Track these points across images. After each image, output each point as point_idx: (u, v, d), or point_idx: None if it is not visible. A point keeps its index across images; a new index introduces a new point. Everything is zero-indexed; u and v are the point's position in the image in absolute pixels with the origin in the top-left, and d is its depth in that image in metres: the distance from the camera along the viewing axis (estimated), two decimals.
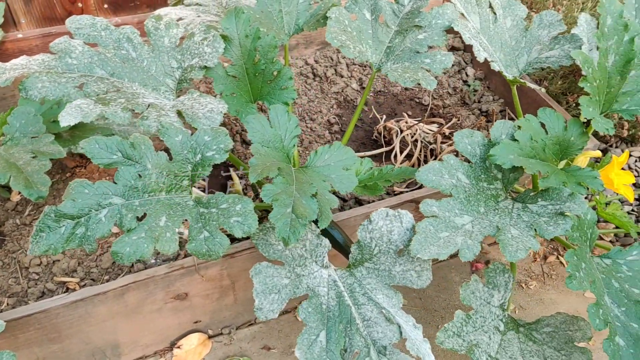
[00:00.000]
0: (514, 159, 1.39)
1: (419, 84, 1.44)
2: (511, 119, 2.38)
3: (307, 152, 2.19)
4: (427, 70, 1.53)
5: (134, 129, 1.61)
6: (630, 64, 1.54)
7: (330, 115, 2.41)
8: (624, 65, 1.54)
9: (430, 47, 1.58)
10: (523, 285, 2.05)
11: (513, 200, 1.46)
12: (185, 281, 1.57)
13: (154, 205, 1.18)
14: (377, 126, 2.31)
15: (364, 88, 2.56)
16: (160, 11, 1.75)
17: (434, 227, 1.30)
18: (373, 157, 2.23)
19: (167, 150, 1.25)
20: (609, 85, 1.56)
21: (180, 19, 1.69)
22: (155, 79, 1.41)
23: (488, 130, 2.26)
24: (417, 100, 2.50)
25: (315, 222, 1.25)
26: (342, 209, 1.95)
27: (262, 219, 1.74)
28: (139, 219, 1.15)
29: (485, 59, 1.56)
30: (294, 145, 1.35)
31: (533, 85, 1.59)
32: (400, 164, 2.10)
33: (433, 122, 2.15)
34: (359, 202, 1.98)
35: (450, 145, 2.07)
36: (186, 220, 1.19)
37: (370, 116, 2.44)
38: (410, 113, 2.46)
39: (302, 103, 2.41)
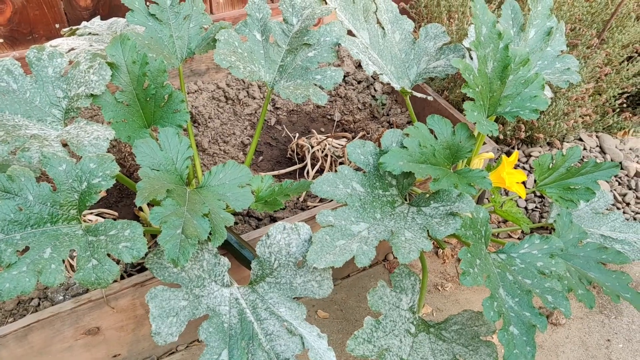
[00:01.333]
0: (403, 165, 1.44)
1: (310, 99, 1.47)
2: None
3: None
4: (318, 86, 1.58)
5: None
6: (507, 69, 1.64)
7: (244, 137, 2.43)
8: (502, 71, 1.64)
9: (320, 64, 1.62)
10: (439, 287, 2.11)
11: (409, 205, 1.52)
12: (95, 315, 1.53)
13: (37, 237, 1.15)
14: (291, 144, 2.34)
15: (277, 108, 2.60)
16: (52, 42, 1.72)
17: (330, 237, 1.32)
18: (288, 174, 2.25)
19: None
20: (491, 90, 1.65)
21: (72, 49, 1.67)
22: (40, 110, 1.38)
23: None
24: (329, 117, 2.56)
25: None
26: (257, 227, 1.96)
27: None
28: (21, 253, 1.11)
29: (375, 72, 1.62)
30: (187, 167, 1.36)
31: (420, 95, 1.66)
32: (313, 178, 2.13)
33: (343, 137, 2.20)
34: (274, 220, 2.00)
35: None
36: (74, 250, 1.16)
37: (283, 135, 2.48)
38: (323, 130, 2.51)
39: (215, 126, 2.42)
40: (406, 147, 1.49)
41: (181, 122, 1.47)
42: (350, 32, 1.68)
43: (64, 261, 1.13)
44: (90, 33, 1.77)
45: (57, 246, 1.15)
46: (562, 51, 1.89)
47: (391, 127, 2.48)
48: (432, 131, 1.58)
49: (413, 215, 1.46)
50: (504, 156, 1.69)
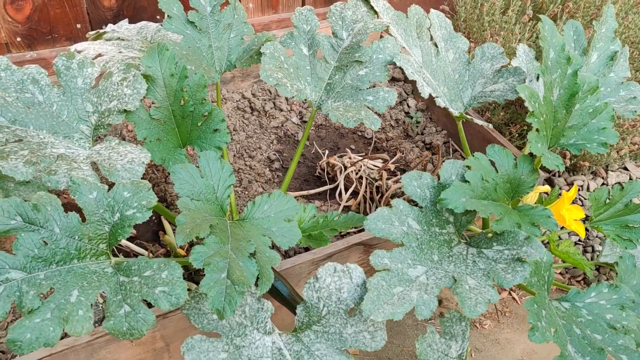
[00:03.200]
0: (466, 202, 1.30)
1: (362, 124, 1.33)
2: (455, 150, 2.33)
3: (246, 192, 2.05)
4: (369, 108, 1.43)
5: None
6: (574, 97, 1.50)
7: (270, 152, 2.28)
8: (569, 99, 1.50)
9: (372, 84, 1.48)
10: (477, 325, 1.97)
11: (467, 245, 1.37)
12: (111, 348, 1.38)
13: (63, 276, 1.00)
14: (320, 162, 2.20)
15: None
16: (77, 46, 1.58)
17: (387, 282, 1.18)
18: (317, 194, 2.11)
19: (80, 209, 1.08)
20: (555, 119, 1.51)
21: (100, 55, 1.52)
22: (68, 126, 1.24)
23: (433, 164, 2.19)
24: (360, 134, 2.41)
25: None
26: (286, 254, 1.81)
27: (193, 276, 1.59)
28: (45, 296, 0.96)
29: (430, 95, 1.48)
30: (229, 196, 1.21)
31: (480, 122, 1.52)
32: (346, 202, 1.99)
33: (377, 158, 2.06)
34: (306, 248, 1.85)
35: (397, 182, 1.98)
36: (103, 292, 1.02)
37: (312, 152, 2.33)
38: (353, 147, 2.37)
39: (240, 139, 2.28)
40: (468, 182, 1.34)
41: (221, 143, 1.33)
42: (403, 49, 1.54)
43: (92, 306, 0.98)
44: (119, 38, 1.62)
45: (85, 288, 1.00)
46: (626, 78, 1.75)
47: (426, 147, 2.34)
48: (492, 163, 1.44)
49: (474, 258, 1.31)
50: (564, 192, 1.55)
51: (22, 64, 2.13)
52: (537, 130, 1.45)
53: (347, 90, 1.47)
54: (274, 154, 2.27)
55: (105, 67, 1.41)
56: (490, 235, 1.36)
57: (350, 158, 2.11)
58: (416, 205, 1.36)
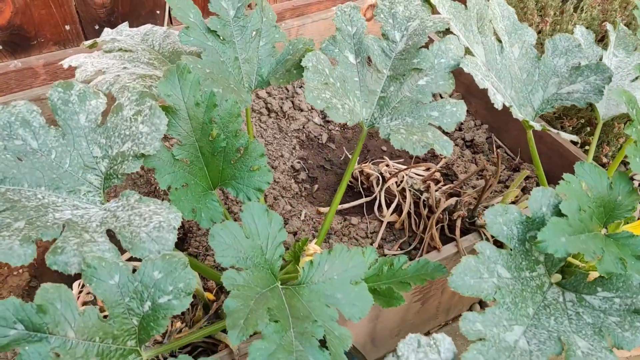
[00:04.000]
0: (566, 242, 1.06)
1: (432, 150, 1.08)
2: (498, 147, 2.08)
3: (272, 210, 1.80)
4: (436, 127, 1.18)
5: None
6: None
7: (293, 159, 2.03)
8: None
9: (434, 96, 1.22)
10: None
11: (561, 288, 1.14)
12: None
13: None
14: (353, 170, 1.94)
15: (327, 121, 2.19)
16: (72, 60, 1.31)
17: (484, 357, 0.95)
18: (352, 208, 1.86)
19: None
20: None
21: (101, 71, 1.26)
22: (72, 177, 0.98)
23: (486, 179, 1.94)
24: None
25: None
26: None
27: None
28: None
29: (504, 105, 1.23)
30: (280, 257, 0.97)
31: (566, 135, 1.27)
32: (389, 217, 1.74)
33: (420, 165, 1.81)
34: None
35: (445, 193, 1.74)
36: None
37: (341, 157, 2.08)
38: (385, 148, 2.11)
39: None
40: (565, 215, 1.10)
41: (261, 184, 1.08)
42: (467, 51, 1.28)
43: None
44: (121, 49, 1.35)
45: None
46: None
47: (467, 145, 2.09)
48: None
49: (576, 308, 1.08)
50: None
51: (6, 76, 1.85)
52: (635, 142, 1.20)
53: (406, 104, 1.21)
54: (298, 162, 2.02)
55: (110, 90, 1.14)
56: (590, 279, 1.12)
57: (387, 166, 1.86)
58: (500, 245, 1.12)
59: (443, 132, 1.18)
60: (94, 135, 1.01)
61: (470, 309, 1.89)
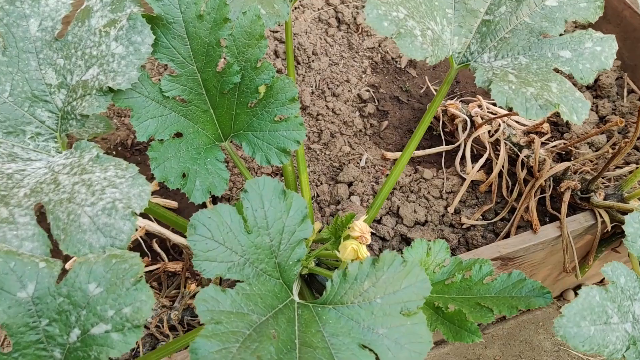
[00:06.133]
0: None
1: (557, 114, 0.69)
2: (631, 91, 1.59)
3: (327, 150, 1.47)
4: (566, 75, 0.77)
5: None
6: None
7: (361, 86, 1.65)
8: None
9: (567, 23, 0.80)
10: None
11: None
12: None
13: None
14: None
15: None
16: None
17: None
18: (427, 157, 1.49)
19: None
20: None
21: None
22: (12, 111, 0.68)
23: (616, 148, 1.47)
24: None
25: None
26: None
27: None
28: None
29: None
30: (299, 261, 0.64)
31: None
32: (474, 176, 1.36)
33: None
34: None
35: (553, 150, 1.31)
36: None
37: (421, 89, 1.67)
38: None
39: (321, 68, 1.65)
40: None
41: (288, 142, 0.74)
42: None
43: None
44: None
45: None
46: None
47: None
48: None
49: None
50: None
51: None
52: None
53: (521, 36, 0.80)
54: (367, 90, 1.64)
55: None
56: None
57: (480, 108, 1.44)
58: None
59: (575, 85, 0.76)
60: (49, 52, 0.69)
61: (561, 296, 1.51)
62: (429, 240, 0.82)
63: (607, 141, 1.42)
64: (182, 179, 0.70)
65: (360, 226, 0.87)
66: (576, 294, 1.53)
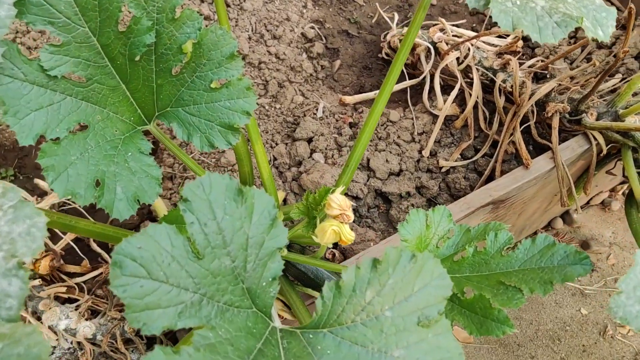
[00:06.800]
0: None
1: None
2: None
3: (277, 104, 1.28)
4: None
5: None
6: None
7: (304, 23, 1.45)
8: None
9: None
10: None
11: None
12: None
13: None
14: (388, 36, 1.37)
15: None
16: None
17: None
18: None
19: None
20: None
21: None
22: None
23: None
24: None
25: None
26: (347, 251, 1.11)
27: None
28: None
29: None
30: (276, 279, 0.47)
31: None
32: (447, 111, 1.20)
33: (493, 33, 1.20)
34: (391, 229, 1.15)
35: (531, 71, 1.16)
36: None
37: (372, 18, 1.48)
38: (434, 1, 1.50)
39: (255, 8, 1.43)
40: None
41: (235, 115, 0.55)
42: None
43: None
44: None
45: None
46: None
47: None
48: None
49: None
50: None
51: None
52: None
53: None
54: (312, 27, 1.44)
55: None
56: None
57: (444, 32, 1.26)
58: None
59: None
60: None
61: (549, 225, 1.41)
62: (427, 210, 0.66)
63: (582, 52, 1.28)
64: (95, 189, 0.50)
65: (339, 201, 0.70)
66: (564, 222, 1.44)
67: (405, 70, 1.33)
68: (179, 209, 0.42)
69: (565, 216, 1.40)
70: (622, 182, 1.43)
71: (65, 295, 0.99)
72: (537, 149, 1.19)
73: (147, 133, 0.60)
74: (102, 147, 0.52)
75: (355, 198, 1.14)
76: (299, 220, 0.77)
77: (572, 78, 1.18)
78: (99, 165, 0.51)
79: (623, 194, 1.47)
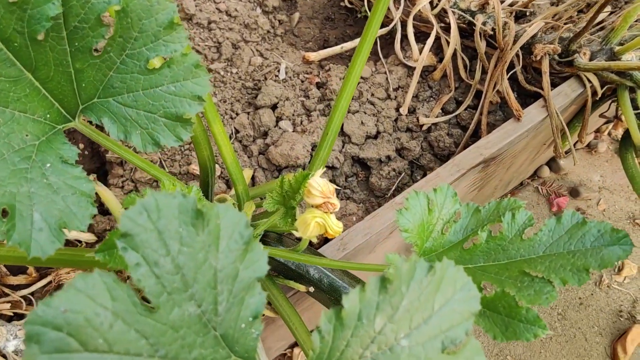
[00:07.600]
0: None
1: None
2: None
3: (232, 68, 1.14)
4: None
5: None
6: None
7: None
8: None
9: None
10: None
11: None
12: None
13: None
14: None
15: None
16: None
17: None
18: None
19: None
20: None
21: None
22: None
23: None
24: None
25: None
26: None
27: None
28: None
29: None
30: (258, 318, 0.36)
31: None
32: (423, 62, 1.08)
33: None
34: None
35: (513, 11, 1.05)
36: None
37: None
38: None
39: None
40: None
41: (184, 102, 0.42)
42: None
43: None
44: None
45: None
46: None
47: None
48: None
49: None
50: None
51: None
52: None
53: None
54: None
55: None
56: None
57: None
58: None
59: None
60: None
61: (535, 175, 1.33)
62: (430, 192, 0.56)
63: None
64: (2, 222, 0.37)
65: (320, 187, 0.59)
66: (551, 169, 1.37)
67: (367, 11, 1.20)
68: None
69: (552, 163, 1.32)
70: (607, 122, 1.35)
71: (11, 312, 0.86)
72: (523, 96, 1.09)
73: (72, 132, 0.46)
74: (7, 160, 0.39)
75: (332, 168, 1.03)
76: (275, 214, 0.65)
77: (555, 15, 1.07)
78: (4, 186, 0.38)
79: (609, 134, 1.40)
